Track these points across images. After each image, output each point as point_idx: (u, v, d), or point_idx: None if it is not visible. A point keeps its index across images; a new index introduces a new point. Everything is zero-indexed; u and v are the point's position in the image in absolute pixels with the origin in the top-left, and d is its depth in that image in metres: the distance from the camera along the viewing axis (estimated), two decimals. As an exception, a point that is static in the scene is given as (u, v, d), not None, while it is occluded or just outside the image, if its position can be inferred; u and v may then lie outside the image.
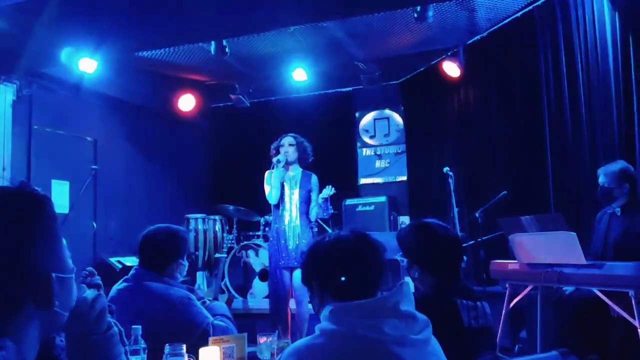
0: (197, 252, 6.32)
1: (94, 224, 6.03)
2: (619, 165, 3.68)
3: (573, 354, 1.92)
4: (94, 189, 6.00)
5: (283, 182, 4.41)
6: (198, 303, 2.52)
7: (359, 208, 6.59)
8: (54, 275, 1.00)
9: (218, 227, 6.54)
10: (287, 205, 4.40)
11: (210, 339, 2.16)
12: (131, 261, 5.66)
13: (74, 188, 5.75)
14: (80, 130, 6.02)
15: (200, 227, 6.41)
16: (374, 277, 1.55)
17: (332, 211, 5.13)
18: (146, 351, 1.91)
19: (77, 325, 1.13)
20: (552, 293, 3.67)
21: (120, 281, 2.55)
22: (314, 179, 4.50)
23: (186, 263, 2.64)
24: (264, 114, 7.43)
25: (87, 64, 5.37)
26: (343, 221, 6.50)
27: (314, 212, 4.44)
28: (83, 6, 4.63)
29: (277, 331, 2.48)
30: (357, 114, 7.55)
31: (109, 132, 6.39)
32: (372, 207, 6.55)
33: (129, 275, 2.55)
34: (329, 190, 4.42)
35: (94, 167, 5.87)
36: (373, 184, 7.33)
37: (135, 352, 1.82)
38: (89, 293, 1.17)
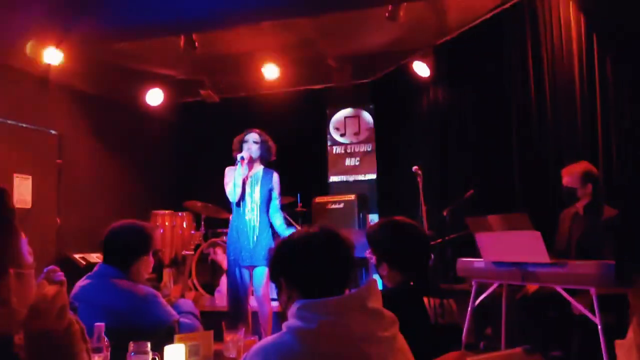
0: (163, 249, 6.24)
1: (57, 220, 5.89)
2: (582, 166, 3.76)
3: (536, 350, 1.96)
4: (57, 184, 5.86)
5: (244, 180, 4.34)
6: (164, 300, 2.49)
7: (329, 206, 6.60)
8: (11, 270, 0.97)
9: (185, 223, 6.47)
10: (248, 204, 4.34)
11: (176, 336, 2.13)
12: (95, 257, 5.56)
13: (36, 182, 5.61)
14: (44, 123, 5.87)
15: (167, 223, 6.33)
16: (342, 274, 1.55)
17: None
18: (109, 349, 1.87)
19: (37, 322, 1.10)
20: (517, 290, 3.73)
21: (84, 278, 2.49)
22: (275, 177, 4.43)
23: (152, 260, 2.59)
24: (233, 111, 7.36)
25: (52, 56, 5.26)
26: (312, 219, 6.50)
27: (276, 217, 4.38)
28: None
29: (244, 329, 2.46)
30: (327, 112, 7.56)
31: (74, 126, 6.25)
32: (341, 205, 6.56)
33: (93, 271, 2.49)
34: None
35: (57, 161, 5.74)
36: (343, 181, 7.35)
37: (98, 350, 1.78)
38: (50, 289, 1.14)
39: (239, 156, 4.29)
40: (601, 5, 4.50)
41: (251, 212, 4.32)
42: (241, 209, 4.33)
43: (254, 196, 4.33)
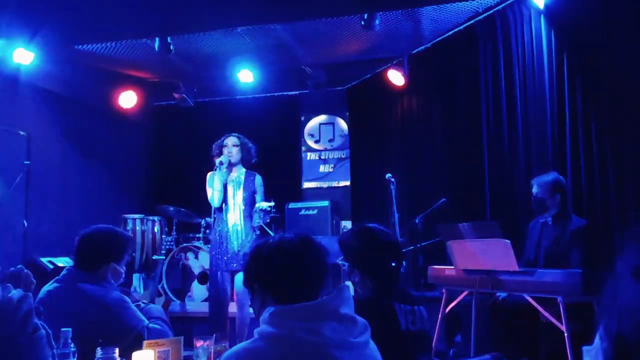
0: (134, 254, 6.14)
1: (25, 222, 5.75)
2: (551, 176, 3.83)
3: (505, 357, 1.98)
4: (25, 186, 5.73)
5: (226, 184, 4.32)
6: (133, 305, 2.45)
7: (302, 212, 6.60)
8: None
9: (157, 228, 6.38)
10: (231, 208, 4.31)
11: (145, 342, 2.10)
12: (63, 262, 5.45)
13: (4, 184, 5.47)
14: (12, 123, 5.73)
15: (138, 227, 6.23)
16: (316, 281, 1.55)
17: (269, 218, 4.95)
18: (76, 355, 1.83)
19: (1, 327, 1.08)
20: (486, 298, 3.78)
21: (51, 282, 2.44)
22: (258, 179, 4.43)
23: (123, 269, 2.54)
24: (208, 115, 7.32)
25: (22, 55, 5.16)
26: (286, 225, 6.49)
27: (255, 217, 4.37)
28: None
29: (214, 335, 2.43)
30: (302, 118, 7.57)
31: (44, 127, 6.12)
32: (315, 212, 6.57)
33: (61, 275, 2.44)
34: (267, 205, 4.33)
35: (26, 162, 5.61)
36: (316, 188, 7.36)
37: (64, 356, 1.74)
38: (15, 293, 1.11)
39: (217, 160, 4.26)
40: (570, 21, 4.61)
41: (234, 216, 4.30)
42: (223, 213, 4.30)
43: (237, 200, 4.31)
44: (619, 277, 0.71)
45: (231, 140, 4.39)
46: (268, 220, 4.78)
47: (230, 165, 4.35)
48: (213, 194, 4.27)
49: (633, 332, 0.69)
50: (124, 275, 2.56)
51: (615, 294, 0.72)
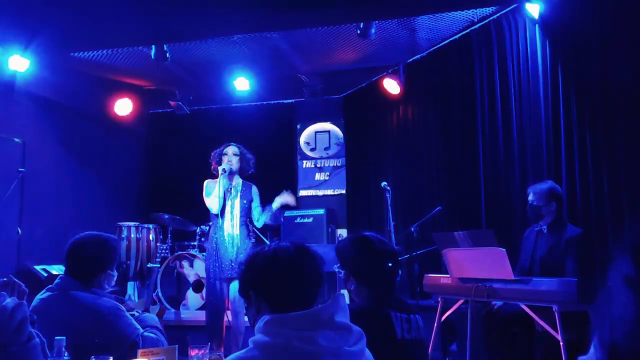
0: (128, 262, 6.12)
1: (19, 230, 5.72)
2: (547, 184, 3.84)
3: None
4: (20, 193, 5.70)
5: (225, 192, 4.35)
6: (127, 314, 2.43)
7: (298, 220, 6.59)
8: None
9: (152, 236, 6.37)
10: (227, 216, 4.34)
11: (140, 351, 2.08)
12: (58, 269, 5.43)
13: (-2, 191, 5.46)
14: (7, 130, 5.71)
15: (133, 235, 6.22)
16: (311, 289, 1.55)
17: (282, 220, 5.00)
18: (70, 364, 1.82)
19: (-6, 335, 1.07)
20: (482, 307, 3.78)
21: (44, 290, 2.42)
22: (254, 189, 4.49)
23: (115, 273, 2.54)
24: (203, 122, 7.33)
25: (18, 62, 5.16)
26: (282, 233, 6.48)
27: (262, 219, 4.39)
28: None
29: (209, 343, 2.42)
30: (298, 126, 7.58)
31: (39, 134, 6.11)
32: (310, 220, 6.56)
33: (54, 284, 2.43)
34: (287, 196, 4.36)
35: (21, 169, 5.59)
36: (312, 196, 7.36)
37: (57, 365, 1.73)
38: (10, 301, 1.10)
39: (220, 168, 4.30)
40: (565, 30, 4.64)
41: (231, 224, 4.33)
42: (221, 221, 4.33)
43: (234, 208, 4.35)
44: (612, 287, 0.72)
45: (232, 149, 4.44)
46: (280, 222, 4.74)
47: (230, 174, 4.38)
48: (213, 201, 4.28)
49: (626, 341, 0.69)
50: (116, 277, 2.55)
51: (609, 304, 0.72)
